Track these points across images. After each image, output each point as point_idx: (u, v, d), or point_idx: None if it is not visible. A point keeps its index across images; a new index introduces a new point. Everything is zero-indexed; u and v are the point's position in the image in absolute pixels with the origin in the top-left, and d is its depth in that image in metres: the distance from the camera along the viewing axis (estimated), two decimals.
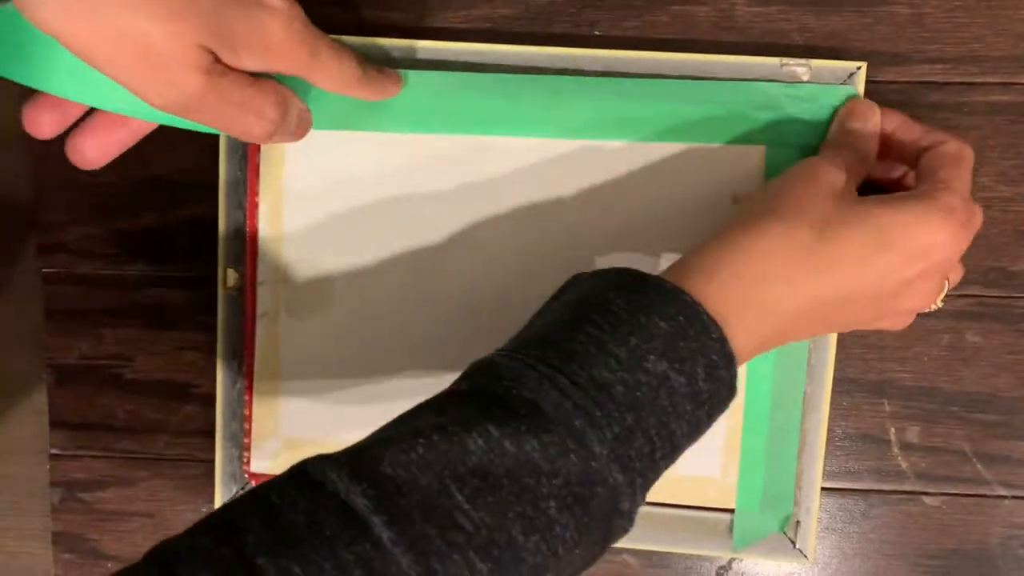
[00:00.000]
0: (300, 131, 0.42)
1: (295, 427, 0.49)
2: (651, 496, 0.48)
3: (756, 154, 0.46)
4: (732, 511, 0.48)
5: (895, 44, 0.47)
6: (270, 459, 0.50)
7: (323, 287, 0.49)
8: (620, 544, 0.48)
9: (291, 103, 0.39)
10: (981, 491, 0.49)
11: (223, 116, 0.37)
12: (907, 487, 0.50)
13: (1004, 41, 0.47)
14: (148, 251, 0.51)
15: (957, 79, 0.47)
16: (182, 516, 0.53)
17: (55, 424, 0.52)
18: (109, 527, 0.53)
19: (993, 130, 0.47)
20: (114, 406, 0.52)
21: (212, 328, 0.50)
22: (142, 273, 0.51)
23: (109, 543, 0.53)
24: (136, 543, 0.53)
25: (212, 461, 0.51)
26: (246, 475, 0.50)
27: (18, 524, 0.54)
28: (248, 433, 0.50)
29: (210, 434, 0.51)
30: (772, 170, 0.46)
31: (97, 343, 0.52)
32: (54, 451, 0.53)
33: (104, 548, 0.53)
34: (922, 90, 0.47)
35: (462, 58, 0.46)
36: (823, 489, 0.49)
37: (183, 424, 0.52)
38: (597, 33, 0.48)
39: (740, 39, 0.47)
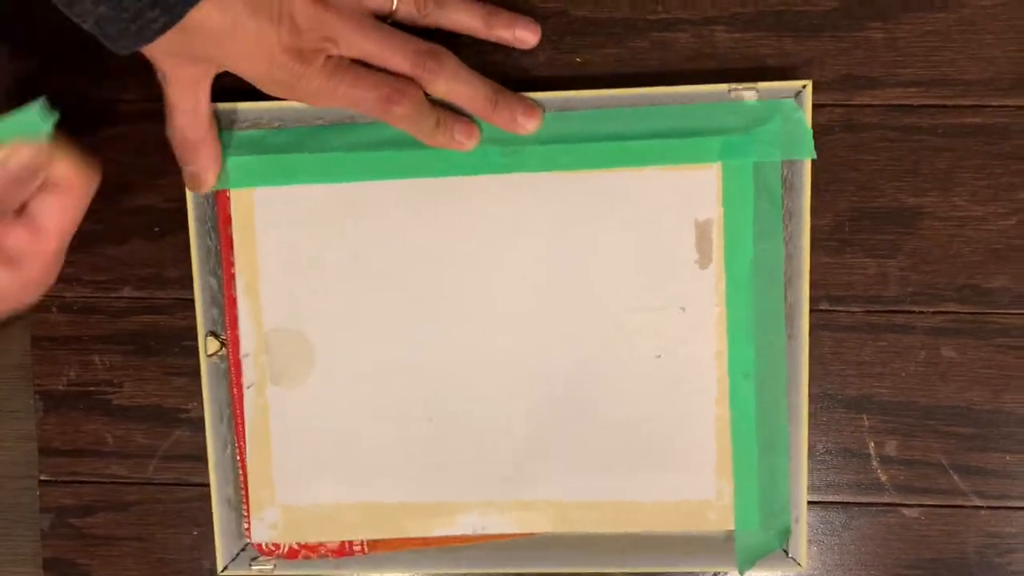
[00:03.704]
0: None
1: (291, 495, 0.50)
2: (650, 525, 0.49)
3: (713, 172, 0.47)
4: (731, 531, 0.49)
5: (870, 68, 0.48)
6: (270, 528, 0.50)
7: (305, 354, 0.49)
8: (617, 568, 0.49)
9: None
10: (958, 502, 0.51)
11: None
12: (886, 499, 0.51)
13: (976, 65, 0.48)
14: (135, 278, 0.51)
15: (930, 102, 0.49)
16: (173, 540, 0.53)
17: (44, 450, 0.53)
18: (100, 552, 0.53)
19: (965, 151, 0.49)
20: (103, 432, 0.52)
21: (198, 353, 0.51)
22: (129, 299, 0.52)
23: (100, 568, 0.53)
24: (127, 568, 0.53)
25: (203, 485, 0.51)
26: (250, 544, 0.51)
27: (8, 550, 0.54)
28: (246, 504, 0.50)
29: (200, 458, 0.52)
30: (729, 187, 0.47)
31: (85, 370, 0.52)
32: (43, 477, 0.53)
33: (95, 573, 0.53)
34: (896, 113, 0.49)
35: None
36: (806, 501, 0.50)
37: (172, 449, 0.52)
38: (578, 60, 0.49)
39: (720, 65, 0.48)
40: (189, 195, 0.48)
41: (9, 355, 0.52)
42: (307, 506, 0.50)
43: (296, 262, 0.49)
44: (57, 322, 0.52)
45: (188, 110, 0.44)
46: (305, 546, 0.50)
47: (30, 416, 0.53)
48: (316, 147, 0.47)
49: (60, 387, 0.52)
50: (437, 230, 0.48)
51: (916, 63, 0.48)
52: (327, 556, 0.50)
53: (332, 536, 0.50)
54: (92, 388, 0.52)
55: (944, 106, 0.48)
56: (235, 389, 0.49)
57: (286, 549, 0.50)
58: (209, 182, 0.47)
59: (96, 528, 0.53)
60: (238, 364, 0.49)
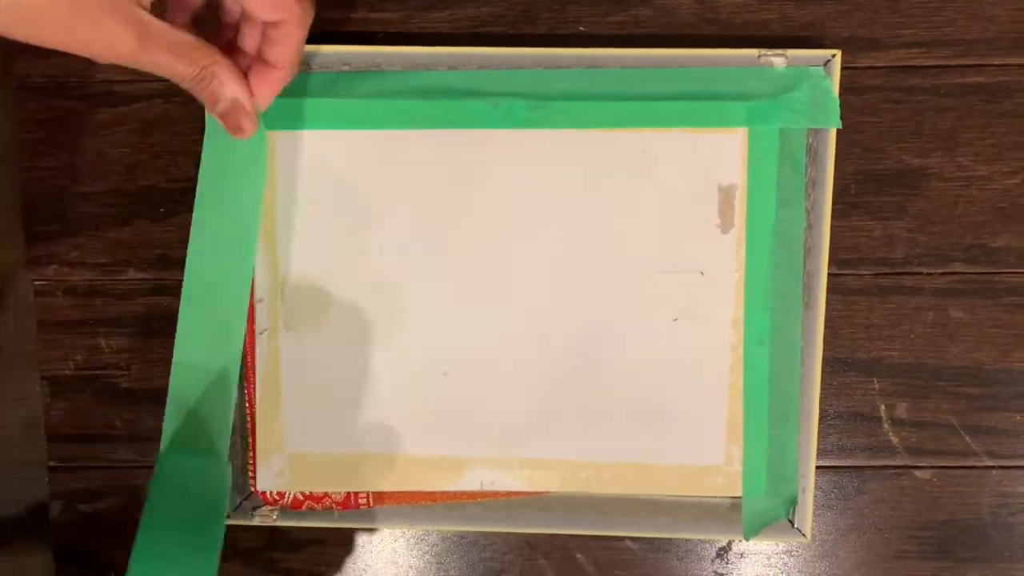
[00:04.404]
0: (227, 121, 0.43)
1: (299, 443, 0.50)
2: (658, 488, 0.49)
3: (738, 137, 0.47)
4: (738, 498, 0.49)
5: (872, 30, 0.48)
6: (276, 476, 0.50)
7: (319, 301, 0.49)
8: (621, 532, 0.49)
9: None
10: (970, 462, 0.51)
11: None
12: (898, 462, 0.51)
13: (976, 24, 0.48)
14: (139, 260, 0.51)
15: (932, 62, 0.49)
16: None
17: (52, 436, 0.52)
18: (110, 538, 0.53)
19: (968, 111, 0.49)
20: (111, 416, 0.52)
21: None
22: (134, 282, 0.51)
23: (111, 554, 0.53)
24: None
25: None
26: (254, 492, 0.50)
27: (19, 537, 0.54)
28: (253, 451, 0.50)
29: None
30: (754, 152, 0.47)
31: (92, 354, 0.52)
32: (52, 463, 0.52)
33: (106, 559, 0.53)
34: (899, 74, 0.49)
35: (447, 61, 0.47)
36: (818, 467, 0.50)
37: None
38: (582, 29, 0.49)
39: (722, 30, 0.48)
40: (207, 136, 0.47)
41: (14, 341, 0.52)
42: (315, 455, 0.50)
43: (315, 208, 0.48)
44: (62, 306, 0.51)
45: (143, 62, 0.39)
46: (310, 496, 0.50)
47: (37, 402, 0.52)
48: (340, 93, 0.47)
49: (67, 372, 0.52)
50: (458, 183, 0.48)
51: (918, 24, 0.48)
52: (332, 508, 0.50)
53: (338, 486, 0.50)
54: (99, 372, 0.52)
55: (946, 66, 0.49)
56: (249, 338, 0.49)
57: (290, 499, 0.50)
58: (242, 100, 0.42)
59: (106, 513, 0.53)
60: (251, 309, 0.49)
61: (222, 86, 0.41)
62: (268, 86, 0.42)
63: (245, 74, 0.42)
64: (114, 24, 0.36)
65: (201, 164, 0.46)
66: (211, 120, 0.46)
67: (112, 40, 0.37)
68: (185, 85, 0.41)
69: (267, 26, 0.42)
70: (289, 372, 0.49)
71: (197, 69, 0.40)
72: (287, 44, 0.41)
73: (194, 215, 0.46)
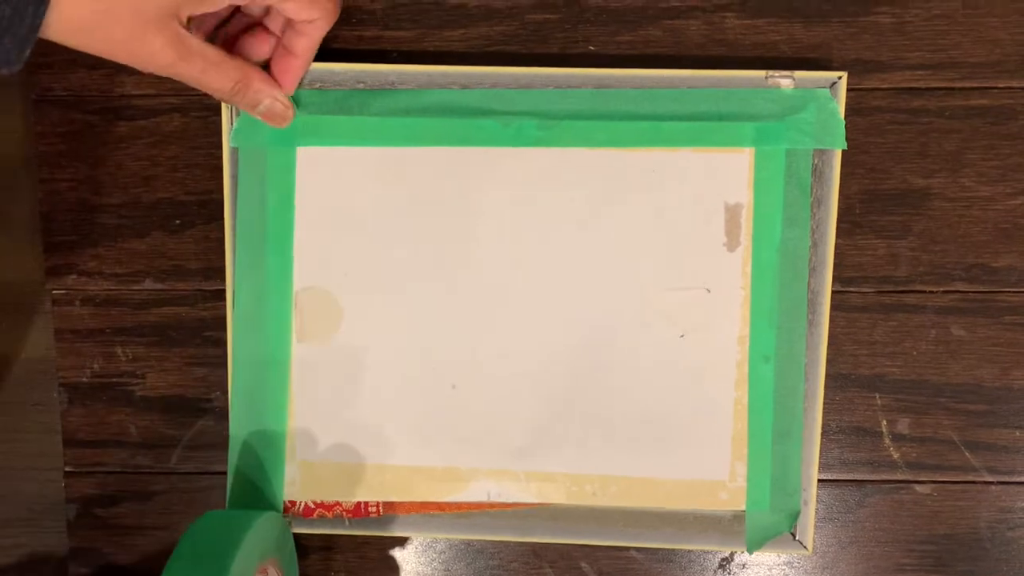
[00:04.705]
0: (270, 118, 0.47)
1: (310, 452, 0.51)
2: (663, 502, 0.50)
3: (745, 157, 0.48)
4: (741, 511, 0.50)
5: (878, 52, 0.49)
6: (288, 485, 0.51)
7: (332, 314, 0.50)
8: (626, 542, 0.50)
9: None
10: (969, 478, 0.52)
11: None
12: (899, 476, 0.52)
13: (981, 48, 0.49)
14: (156, 270, 0.52)
15: (937, 84, 0.49)
16: None
17: (69, 442, 0.53)
18: (125, 542, 0.54)
19: (973, 132, 0.49)
20: (127, 423, 0.53)
21: (221, 343, 0.52)
22: (151, 292, 0.52)
23: (125, 558, 0.54)
24: (151, 557, 0.54)
25: (225, 474, 0.52)
26: None
27: (35, 541, 0.55)
28: None
29: (222, 447, 0.52)
30: (761, 172, 0.48)
31: (108, 361, 0.53)
32: (68, 468, 0.54)
33: (120, 563, 0.54)
34: (905, 96, 0.49)
35: (460, 80, 0.48)
36: (820, 481, 0.51)
37: (195, 438, 0.53)
38: (592, 49, 0.50)
39: (731, 51, 0.49)
40: (225, 152, 0.49)
41: (33, 348, 0.53)
42: (325, 464, 0.51)
43: (327, 223, 0.49)
44: (80, 315, 0.52)
45: (181, 72, 0.42)
46: (321, 504, 0.51)
47: (54, 408, 0.53)
48: (354, 110, 0.48)
49: (84, 379, 0.53)
50: (469, 199, 0.49)
51: (924, 46, 0.49)
52: (343, 516, 0.51)
53: (349, 496, 0.51)
54: (115, 380, 0.53)
55: (951, 88, 0.49)
56: None
57: (302, 507, 0.51)
58: (275, 100, 0.46)
59: (121, 518, 0.54)
60: None
61: (258, 93, 0.45)
62: (292, 75, 0.46)
63: (268, 63, 0.46)
64: (159, 40, 0.39)
65: (237, 204, 0.49)
66: (239, 137, 0.48)
67: (155, 53, 0.40)
68: (221, 97, 0.44)
69: (296, 20, 0.44)
70: (300, 382, 0.50)
71: (231, 83, 0.43)
72: (313, 36, 0.45)
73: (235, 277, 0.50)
